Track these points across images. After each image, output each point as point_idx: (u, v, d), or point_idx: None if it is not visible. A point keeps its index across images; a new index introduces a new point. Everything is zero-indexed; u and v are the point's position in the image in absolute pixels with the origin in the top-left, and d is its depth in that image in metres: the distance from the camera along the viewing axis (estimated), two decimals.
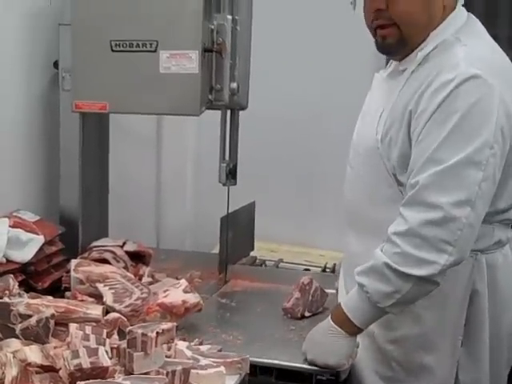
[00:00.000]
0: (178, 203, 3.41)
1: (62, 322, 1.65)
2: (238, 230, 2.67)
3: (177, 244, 3.26)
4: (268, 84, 3.11)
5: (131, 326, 1.76)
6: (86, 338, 1.50)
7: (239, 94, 2.32)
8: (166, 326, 1.54)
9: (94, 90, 2.30)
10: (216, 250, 3.11)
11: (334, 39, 3.31)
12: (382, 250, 1.72)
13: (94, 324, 1.64)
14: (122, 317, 1.76)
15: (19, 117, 2.47)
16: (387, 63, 3.21)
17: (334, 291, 2.32)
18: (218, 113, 2.37)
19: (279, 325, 2.13)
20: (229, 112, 2.41)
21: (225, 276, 2.54)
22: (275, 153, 3.39)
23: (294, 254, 3.36)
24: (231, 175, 2.41)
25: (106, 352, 1.44)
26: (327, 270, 3.08)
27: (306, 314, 2.19)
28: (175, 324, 1.60)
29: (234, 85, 2.29)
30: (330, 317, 1.82)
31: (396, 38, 1.80)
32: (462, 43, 1.76)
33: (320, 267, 3.13)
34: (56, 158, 2.49)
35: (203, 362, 1.64)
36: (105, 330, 1.55)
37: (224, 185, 2.41)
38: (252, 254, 3.01)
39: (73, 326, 1.55)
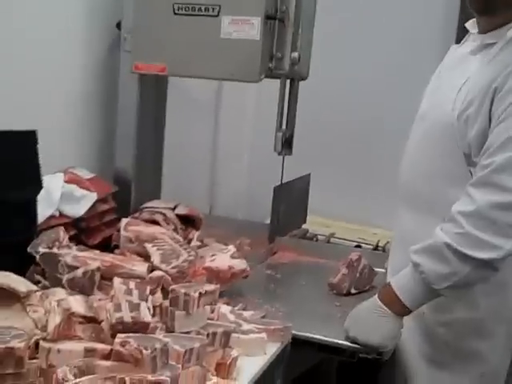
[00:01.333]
0: (233, 171, 3.41)
1: (107, 276, 1.66)
2: (291, 200, 2.65)
3: (229, 212, 3.26)
4: (330, 56, 3.07)
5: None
6: (129, 292, 1.50)
7: (300, 63, 2.29)
8: (209, 287, 1.54)
9: (153, 52, 2.30)
10: (268, 220, 3.11)
11: (402, 12, 3.25)
12: (442, 230, 1.67)
13: (139, 280, 1.65)
14: (166, 275, 1.76)
15: (79, 75, 2.49)
16: (455, 42, 3.22)
17: (383, 270, 2.30)
18: (276, 82, 2.35)
19: (323, 300, 2.11)
20: (288, 81, 2.38)
21: (273, 247, 2.53)
22: (332, 126, 3.36)
23: (347, 231, 3.33)
24: (287, 144, 2.38)
25: (148, 308, 1.44)
26: (379, 248, 3.05)
27: (353, 290, 2.16)
28: (218, 286, 1.60)
29: (296, 54, 2.25)
30: (377, 295, 1.77)
31: None
32: None
33: (372, 245, 3.10)
34: (113, 119, 2.51)
35: (245, 327, 1.64)
36: (148, 287, 1.56)
37: (279, 154, 2.38)
38: (304, 226, 3.00)
39: (117, 280, 1.56)
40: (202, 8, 2.22)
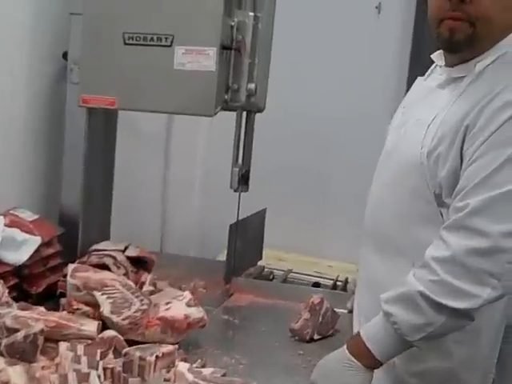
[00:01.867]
0: (184, 207, 3.30)
1: (53, 338, 1.51)
2: (247, 238, 2.53)
3: (181, 249, 3.14)
4: (285, 87, 2.99)
5: (128, 342, 1.66)
6: (77, 359, 1.36)
7: (257, 95, 2.19)
8: (166, 348, 1.41)
9: (102, 85, 2.17)
10: (221, 257, 3.01)
11: (357, 44, 3.21)
12: (414, 276, 1.55)
13: (88, 341, 1.50)
14: (119, 336, 1.61)
15: (22, 110, 2.33)
16: (408, 72, 3.20)
17: (345, 311, 2.20)
18: (230, 114, 2.24)
19: (286, 348, 1.98)
20: (244, 114, 2.28)
21: (229, 288, 2.40)
22: (286, 158, 3.28)
23: (302, 264, 3.25)
24: (244, 181, 2.27)
25: (99, 376, 1.30)
26: (338, 283, 2.95)
27: (316, 336, 2.04)
28: (176, 347, 1.46)
29: (252, 85, 2.16)
30: (345, 346, 1.65)
31: (466, 34, 1.61)
32: None
33: (330, 279, 3.01)
34: (59, 155, 2.36)
35: None
36: (99, 351, 1.41)
37: (235, 190, 2.28)
38: (260, 263, 2.88)
39: (63, 346, 1.41)
40: (154, 38, 2.10)
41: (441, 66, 1.76)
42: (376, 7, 3.28)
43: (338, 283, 2.98)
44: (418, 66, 3.07)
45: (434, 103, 1.70)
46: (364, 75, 3.22)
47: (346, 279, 2.99)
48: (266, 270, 2.99)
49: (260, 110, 2.32)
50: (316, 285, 2.93)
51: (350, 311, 2.19)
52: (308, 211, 3.35)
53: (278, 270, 3.09)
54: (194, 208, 3.35)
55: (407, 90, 3.00)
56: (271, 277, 2.99)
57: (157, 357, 1.36)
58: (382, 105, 3.14)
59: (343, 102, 3.23)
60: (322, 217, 3.35)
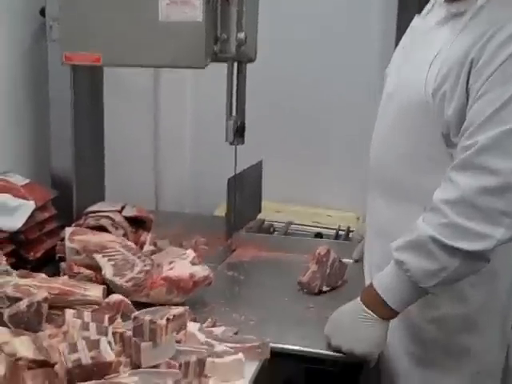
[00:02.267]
0: (176, 162, 3.23)
1: (57, 305, 1.45)
2: (245, 191, 2.47)
3: (176, 205, 3.09)
4: (275, 36, 2.90)
5: (133, 303, 1.61)
6: (85, 327, 1.30)
7: (247, 44, 2.10)
8: (176, 310, 1.35)
9: (85, 41, 2.07)
10: (218, 212, 2.96)
11: None
12: (424, 221, 1.50)
13: (94, 307, 1.44)
14: (126, 299, 1.56)
15: (3, 73, 2.24)
16: (398, 13, 3.11)
17: (351, 261, 2.16)
18: (219, 66, 2.15)
19: (295, 302, 1.93)
20: (235, 64, 2.20)
21: (231, 244, 2.35)
22: (280, 109, 3.20)
23: (300, 215, 3.20)
24: (239, 133, 2.20)
25: (109, 343, 1.25)
26: (340, 233, 2.91)
27: (324, 288, 1.99)
28: (187, 308, 1.40)
29: (242, 35, 2.07)
30: (359, 298, 1.60)
31: None
32: None
33: (331, 229, 2.96)
34: (45, 117, 2.27)
35: (219, 347, 1.46)
36: (106, 316, 1.36)
37: (231, 143, 2.20)
38: (258, 216, 2.83)
39: (69, 314, 1.35)
40: None
41: (439, 4, 1.69)
42: None
43: (341, 233, 2.93)
44: (407, 11, 2.99)
45: (435, 41, 1.63)
46: (352, 23, 3.13)
47: (348, 228, 2.94)
48: (265, 223, 2.93)
49: (251, 60, 2.24)
50: (318, 235, 2.88)
51: (357, 261, 2.15)
52: (302, 162, 3.28)
53: (277, 222, 3.03)
54: (186, 163, 3.28)
55: (397, 34, 2.98)
56: (272, 230, 2.94)
57: (168, 319, 1.30)
58: (374, 50, 3.08)
59: (330, 51, 3.15)
60: (318, 167, 3.29)
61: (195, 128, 3.26)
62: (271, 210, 3.15)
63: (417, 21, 1.79)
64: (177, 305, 1.68)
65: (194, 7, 1.98)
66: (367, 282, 1.77)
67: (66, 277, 1.70)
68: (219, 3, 2.04)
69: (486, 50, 1.48)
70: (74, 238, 1.93)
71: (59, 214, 2.17)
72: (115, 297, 1.56)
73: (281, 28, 3.01)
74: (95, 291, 1.56)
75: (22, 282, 1.52)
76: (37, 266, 1.97)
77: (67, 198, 2.25)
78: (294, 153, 3.23)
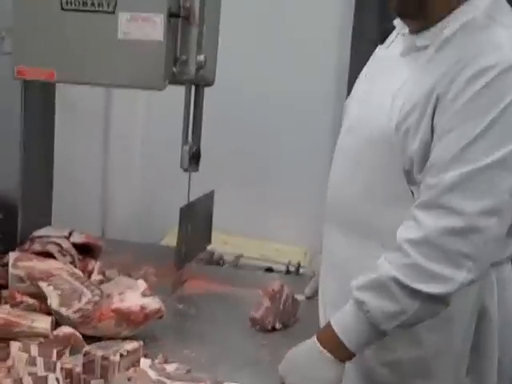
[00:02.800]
0: (125, 188, 3.12)
1: (1, 338, 1.33)
2: (196, 221, 2.38)
3: (123, 233, 2.97)
4: (231, 59, 2.85)
5: (82, 334, 1.50)
6: (32, 361, 1.19)
7: (206, 67, 2.03)
8: (130, 345, 1.27)
9: (39, 55, 1.97)
10: (166, 241, 2.86)
11: (300, 15, 3.10)
12: (386, 260, 1.45)
13: (42, 340, 1.33)
14: (77, 332, 1.45)
15: None
16: (352, 42, 3.10)
17: (303, 297, 2.07)
18: (173, 89, 2.07)
19: (247, 338, 1.86)
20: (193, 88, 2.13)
21: (182, 275, 2.26)
22: (231, 139, 3.14)
23: (248, 247, 3.13)
24: (194, 160, 2.12)
25: (57, 380, 1.14)
26: (291, 268, 2.84)
27: (277, 325, 1.93)
28: (141, 343, 1.31)
29: (202, 57, 2.00)
30: (315, 337, 1.53)
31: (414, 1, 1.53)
32: (499, 23, 1.49)
33: (282, 263, 2.89)
34: None
35: None
36: (55, 350, 1.25)
37: (185, 170, 2.12)
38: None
39: (14, 347, 1.25)
40: (96, 3, 1.91)
41: (403, 34, 1.65)
42: None
43: (291, 268, 2.87)
44: (361, 40, 2.98)
45: (399, 72, 1.58)
46: (306, 51, 3.11)
47: (299, 263, 2.88)
48: (215, 254, 2.85)
49: (209, 84, 2.18)
50: (269, 270, 2.82)
51: (309, 297, 2.08)
52: (251, 193, 3.23)
53: (227, 253, 2.95)
54: (136, 189, 3.18)
55: (350, 66, 2.97)
56: (221, 262, 2.86)
57: (121, 355, 1.20)
58: (325, 82, 3.06)
59: (284, 79, 3.11)
60: (267, 199, 3.25)
61: (146, 153, 3.17)
62: (219, 241, 3.07)
63: (380, 51, 1.75)
64: (126, 338, 1.59)
65: (155, 25, 1.91)
66: (321, 320, 1.72)
67: (7, 306, 1.58)
68: (180, 23, 1.97)
69: (452, 85, 1.44)
70: (18, 263, 1.81)
71: (2, 238, 2.05)
72: (64, 329, 1.45)
73: (236, 55, 2.97)
74: (43, 323, 1.45)
75: None
76: None
77: (12, 222, 2.12)
78: (244, 184, 3.17)
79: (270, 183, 3.23)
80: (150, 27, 1.91)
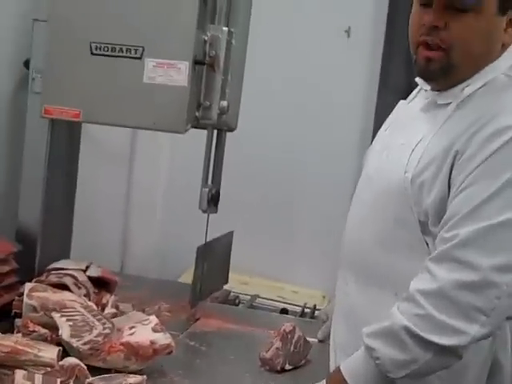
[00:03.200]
0: (146, 225, 3.19)
1: (8, 365, 1.38)
2: (213, 261, 2.43)
3: (142, 270, 3.03)
4: (255, 106, 2.92)
5: (89, 366, 1.55)
6: None
7: (229, 113, 2.11)
8: (133, 379, 1.31)
9: (67, 95, 2.07)
10: (183, 279, 2.91)
11: (325, 69, 3.18)
12: (399, 309, 1.46)
13: (47, 369, 1.38)
14: (82, 364, 1.50)
15: None
16: (378, 93, 3.17)
17: (315, 340, 2.10)
18: (197, 133, 2.15)
19: (256, 378, 1.88)
20: (215, 132, 2.20)
21: (195, 313, 2.30)
22: (254, 181, 3.20)
23: (266, 289, 3.17)
24: (213, 202, 2.18)
25: None
26: (306, 310, 2.87)
27: (287, 366, 1.94)
28: (145, 378, 1.35)
29: (225, 103, 2.09)
30: (324, 381, 1.56)
31: (442, 64, 1.56)
32: None
33: (298, 306, 2.92)
34: (18, 168, 2.24)
35: None
36: (59, 380, 1.30)
37: (204, 212, 2.18)
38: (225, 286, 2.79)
39: (19, 375, 1.30)
40: (124, 49, 2.02)
41: (426, 90, 1.70)
42: (345, 31, 3.26)
43: (306, 310, 2.89)
44: (387, 92, 3.04)
45: (419, 127, 1.62)
46: (332, 101, 3.18)
47: (315, 306, 2.91)
48: (231, 294, 2.89)
49: (231, 129, 2.25)
50: (284, 311, 2.84)
51: (321, 341, 2.11)
52: (272, 236, 3.27)
53: (243, 294, 2.99)
54: (156, 228, 3.24)
55: (376, 117, 3.03)
56: (237, 301, 2.89)
57: None
58: (351, 132, 3.12)
59: (310, 127, 3.18)
60: (287, 243, 3.29)
61: (167, 192, 3.24)
62: (238, 282, 3.12)
63: (402, 105, 1.80)
64: (134, 373, 1.63)
65: (179, 72, 2.00)
66: (331, 364, 1.73)
67: (19, 334, 1.63)
68: (205, 70, 2.05)
69: (471, 143, 1.48)
70: (32, 294, 1.87)
71: (21, 269, 2.10)
72: (70, 360, 1.49)
73: (259, 100, 3.04)
74: (50, 353, 1.50)
75: None
76: None
77: (31, 253, 2.20)
78: (264, 226, 3.22)
79: (292, 226, 3.27)
80: (175, 73, 2.00)
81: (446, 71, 1.57)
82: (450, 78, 1.58)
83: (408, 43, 1.65)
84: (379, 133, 1.82)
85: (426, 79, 1.65)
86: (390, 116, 1.83)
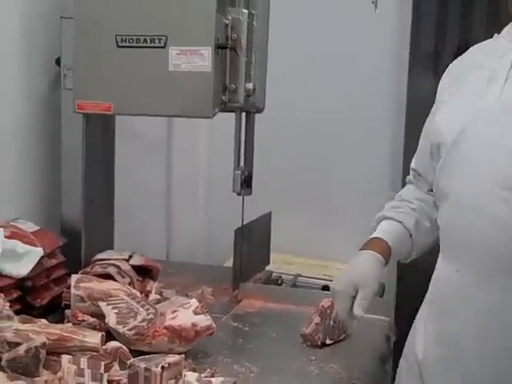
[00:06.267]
0: (189, 212, 3.22)
1: (55, 351, 1.44)
2: (253, 242, 2.47)
3: (188, 256, 3.07)
4: (285, 85, 2.92)
5: (134, 352, 1.60)
6: (80, 373, 1.30)
7: (255, 95, 2.13)
8: (172, 358, 1.34)
9: (97, 89, 2.12)
10: (229, 263, 2.94)
11: (354, 39, 3.14)
12: None
13: (93, 353, 1.44)
14: (124, 347, 1.55)
15: (18, 119, 2.29)
16: (409, 65, 3.14)
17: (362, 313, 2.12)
18: (231, 116, 2.18)
19: (297, 354, 1.91)
20: (244, 115, 2.22)
21: (238, 294, 2.34)
22: (291, 159, 3.20)
23: (310, 268, 3.17)
24: (246, 184, 2.21)
25: None
26: None
27: (327, 341, 1.97)
28: (183, 357, 1.39)
29: (250, 85, 2.10)
30: None
31: None
32: None
33: None
34: (57, 164, 2.30)
35: None
36: (103, 363, 1.35)
37: (238, 194, 2.21)
38: (267, 267, 2.82)
39: (65, 359, 1.35)
40: (148, 39, 2.05)
41: None
42: (372, 2, 3.23)
43: None
44: (418, 63, 3.02)
45: None
46: (362, 72, 3.15)
47: None
48: (274, 274, 2.91)
49: (259, 110, 2.26)
50: (325, 288, 2.85)
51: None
52: (314, 213, 3.27)
53: (286, 274, 3.00)
54: (199, 213, 3.28)
55: (408, 88, 3.00)
56: (280, 281, 2.90)
57: (163, 367, 1.29)
58: (383, 102, 3.10)
59: (342, 99, 3.14)
60: (329, 218, 3.27)
61: (208, 178, 3.26)
62: (280, 262, 3.13)
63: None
64: (179, 354, 1.67)
65: (203, 57, 2.02)
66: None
67: (66, 324, 1.70)
68: (228, 54, 2.08)
69: None
70: (79, 285, 1.93)
71: (67, 262, 2.17)
72: (112, 344, 1.55)
73: (291, 78, 3.04)
74: (94, 338, 1.55)
75: (23, 327, 1.52)
76: (43, 313, 1.96)
77: (76, 246, 2.26)
78: (304, 205, 3.22)
79: (332, 203, 3.26)
80: (199, 59, 2.03)
81: None
82: None
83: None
84: (479, 83, 1.59)
85: None
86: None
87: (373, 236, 1.82)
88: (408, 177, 1.96)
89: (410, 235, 1.80)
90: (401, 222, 1.80)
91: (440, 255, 1.73)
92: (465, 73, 1.68)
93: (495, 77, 1.55)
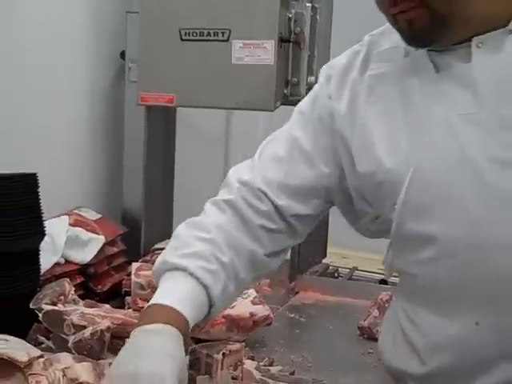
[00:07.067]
0: None
1: (119, 336, 1.48)
2: (310, 235, 2.47)
3: None
4: None
5: (193, 339, 1.63)
6: None
7: None
8: (233, 346, 1.36)
9: (160, 82, 2.16)
10: (287, 256, 2.96)
11: None
12: None
13: None
14: None
15: (83, 110, 2.35)
16: None
17: None
18: (289, 109, 2.18)
19: (354, 346, 1.92)
20: None
21: (294, 286, 2.36)
22: None
23: (366, 261, 3.17)
24: None
25: None
26: None
27: None
28: (243, 345, 1.42)
29: (313, 78, 2.12)
30: None
31: (427, 18, 1.09)
32: None
33: (396, 277, 2.91)
34: (120, 154, 2.36)
35: None
36: None
37: None
38: (324, 260, 2.83)
39: None
40: (211, 32, 2.08)
41: None
42: None
43: None
44: None
45: None
46: None
47: None
48: (330, 267, 2.92)
49: None
50: (383, 282, 2.85)
51: None
52: None
53: (343, 267, 3.01)
54: None
55: None
56: (336, 274, 2.92)
57: (224, 354, 1.32)
58: None
59: None
60: None
61: None
62: (336, 256, 3.14)
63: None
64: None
65: (266, 51, 2.04)
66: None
67: (130, 310, 1.74)
68: (291, 47, 2.09)
69: None
70: (139, 273, 1.96)
71: (128, 250, 2.23)
72: None
73: None
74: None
75: (88, 311, 1.56)
76: (103, 299, 2.01)
77: (136, 235, 2.32)
78: None
79: None
80: (262, 52, 2.05)
81: (436, 24, 1.09)
82: (449, 29, 1.10)
83: None
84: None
85: (418, 44, 1.16)
86: None
87: (162, 302, 1.17)
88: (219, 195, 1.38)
89: (211, 306, 1.21)
90: (206, 286, 1.19)
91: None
92: None
93: None
